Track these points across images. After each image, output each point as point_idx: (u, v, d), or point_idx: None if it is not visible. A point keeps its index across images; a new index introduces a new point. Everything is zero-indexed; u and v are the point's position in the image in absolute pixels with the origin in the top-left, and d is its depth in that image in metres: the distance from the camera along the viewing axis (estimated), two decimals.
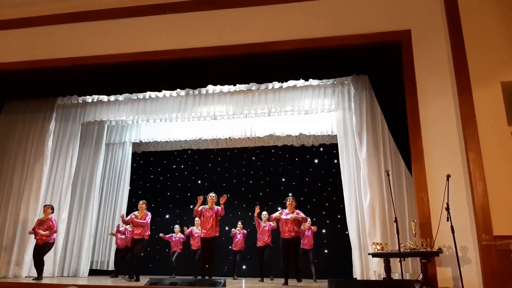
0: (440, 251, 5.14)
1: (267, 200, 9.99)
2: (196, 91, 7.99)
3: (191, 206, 10.31)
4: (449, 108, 5.71)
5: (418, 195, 5.59)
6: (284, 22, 6.54)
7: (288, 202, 6.75)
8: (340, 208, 8.52)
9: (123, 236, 8.71)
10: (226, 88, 7.78)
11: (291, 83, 7.48)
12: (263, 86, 7.66)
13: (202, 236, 6.91)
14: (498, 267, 4.79)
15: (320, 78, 7.29)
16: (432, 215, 5.36)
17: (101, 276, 9.15)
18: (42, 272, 6.98)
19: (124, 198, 10.03)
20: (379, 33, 6.19)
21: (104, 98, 8.28)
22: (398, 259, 5.49)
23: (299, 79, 7.21)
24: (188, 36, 6.79)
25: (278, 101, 7.88)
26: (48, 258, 7.24)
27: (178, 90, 7.78)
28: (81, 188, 9.23)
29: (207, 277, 6.53)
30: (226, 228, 9.41)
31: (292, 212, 6.64)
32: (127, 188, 10.16)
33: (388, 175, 5.62)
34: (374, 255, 5.67)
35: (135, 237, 7.09)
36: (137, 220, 7.03)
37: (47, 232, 7.06)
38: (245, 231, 8.86)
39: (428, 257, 5.13)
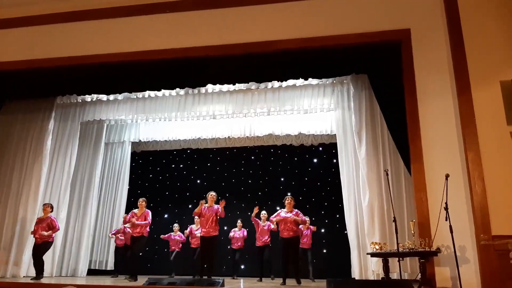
0: (438, 250, 5.14)
1: (266, 199, 9.99)
2: (196, 91, 7.99)
3: (190, 206, 10.34)
4: (448, 107, 5.70)
5: (417, 195, 5.58)
6: (284, 21, 6.53)
7: (286, 201, 6.75)
8: (339, 208, 8.52)
9: (123, 238, 8.74)
10: (225, 87, 7.77)
11: (290, 82, 7.48)
12: (262, 85, 7.65)
13: (202, 235, 6.91)
14: (497, 267, 4.79)
15: (319, 77, 7.28)
16: (431, 214, 5.36)
17: (100, 275, 9.15)
18: (43, 272, 6.96)
19: (123, 197, 10.04)
20: (378, 32, 6.18)
21: (104, 97, 8.28)
22: (397, 258, 5.47)
23: (299, 78, 7.20)
24: (187, 35, 6.78)
25: (278, 101, 7.87)
26: (46, 257, 7.22)
27: (178, 89, 7.78)
28: (80, 187, 9.22)
29: (205, 277, 6.52)
30: (225, 228, 9.41)
31: (291, 211, 6.64)
32: (126, 187, 10.16)
33: (387, 174, 5.62)
34: (373, 254, 5.66)
35: (135, 235, 7.08)
36: (138, 222, 7.02)
37: (49, 232, 7.05)
38: (244, 230, 8.86)
39: (427, 257, 5.13)
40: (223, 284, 5.54)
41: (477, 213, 5.06)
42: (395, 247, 5.28)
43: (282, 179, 10.36)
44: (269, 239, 8.15)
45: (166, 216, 10.60)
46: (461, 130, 5.48)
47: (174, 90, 7.85)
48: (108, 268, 9.36)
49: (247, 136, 9.74)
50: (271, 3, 6.65)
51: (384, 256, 5.54)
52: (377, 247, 5.53)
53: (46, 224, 7.09)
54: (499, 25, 5.69)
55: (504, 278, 4.66)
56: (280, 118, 9.06)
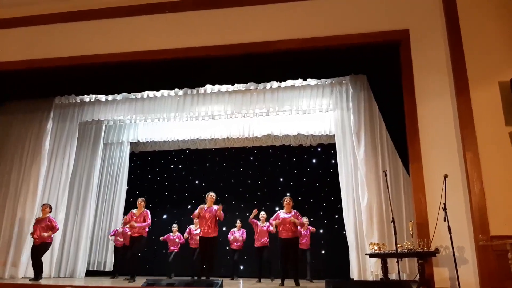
0: (437, 251, 5.14)
1: (264, 200, 9.99)
2: (194, 91, 7.98)
3: (189, 206, 10.33)
4: (447, 108, 5.71)
5: (416, 195, 5.59)
6: (282, 21, 6.53)
7: (285, 202, 6.73)
8: (337, 208, 8.52)
9: (122, 239, 8.74)
10: (224, 87, 7.77)
11: (289, 82, 7.48)
12: (261, 85, 7.65)
13: (201, 235, 6.89)
14: (495, 267, 4.80)
15: (318, 78, 7.28)
16: (429, 215, 5.36)
17: (98, 276, 9.13)
18: (42, 273, 6.93)
19: (121, 198, 10.02)
20: (377, 33, 6.19)
21: (102, 97, 8.26)
22: (396, 259, 5.48)
23: (298, 79, 7.20)
24: (186, 36, 6.77)
25: (276, 101, 7.86)
26: (45, 258, 7.19)
27: (176, 89, 7.77)
28: (78, 188, 9.20)
29: (203, 278, 6.52)
30: (224, 229, 9.40)
31: (290, 212, 6.62)
32: (124, 188, 10.14)
33: (385, 175, 5.63)
34: (372, 255, 5.66)
35: (134, 235, 7.07)
36: (138, 225, 7.02)
37: (49, 232, 7.03)
38: (243, 230, 8.85)
39: (425, 258, 5.13)
40: (222, 285, 5.53)
41: (475, 213, 5.07)
42: (394, 248, 5.29)
43: (281, 179, 10.36)
44: (268, 240, 8.15)
45: (164, 216, 10.59)
46: (459, 131, 5.49)
47: (173, 90, 7.84)
48: (107, 269, 9.34)
49: (246, 137, 9.73)
50: (270, 4, 6.66)
51: (383, 257, 5.54)
52: (375, 247, 5.53)
53: (45, 224, 7.06)
54: (497, 25, 5.70)
55: (502, 278, 4.66)
56: (279, 118, 9.05)
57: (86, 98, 8.29)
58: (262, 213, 8.38)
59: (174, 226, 9.33)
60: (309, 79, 7.27)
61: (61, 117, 8.70)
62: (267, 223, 8.10)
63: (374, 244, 5.62)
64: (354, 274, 6.82)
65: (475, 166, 5.20)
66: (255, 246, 8.21)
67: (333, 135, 8.00)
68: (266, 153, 10.54)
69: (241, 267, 9.46)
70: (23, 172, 7.98)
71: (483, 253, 4.92)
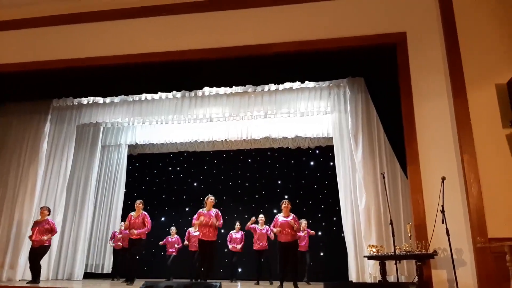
0: (435, 253, 5.14)
1: (263, 202, 9.99)
2: (192, 93, 7.98)
3: (187, 209, 10.33)
4: (444, 110, 5.72)
5: (414, 197, 5.59)
6: (280, 24, 6.54)
7: (283, 205, 6.70)
8: (335, 211, 8.52)
9: (121, 243, 8.75)
10: (222, 90, 7.77)
11: (287, 85, 7.48)
12: (259, 88, 7.67)
13: (200, 237, 6.88)
14: (493, 269, 4.80)
15: (316, 80, 7.30)
16: (427, 217, 5.36)
17: (96, 279, 9.11)
18: (39, 276, 6.91)
19: (119, 200, 10.01)
20: (374, 35, 6.20)
21: (100, 100, 8.26)
22: (394, 261, 5.49)
23: (295, 81, 7.22)
24: (184, 38, 6.77)
25: (274, 103, 7.88)
26: (42, 261, 7.16)
27: (174, 92, 7.77)
28: (76, 190, 9.19)
29: (199, 280, 6.52)
30: (223, 231, 9.38)
31: (288, 216, 6.61)
32: (122, 190, 10.13)
33: (383, 177, 5.64)
34: (370, 257, 5.66)
35: (133, 237, 7.06)
36: (139, 231, 7.02)
37: (48, 235, 7.00)
38: (242, 232, 8.84)
39: (423, 260, 5.14)
40: None
41: (473, 215, 5.08)
42: (392, 250, 5.29)
43: (279, 181, 10.36)
44: (266, 243, 8.14)
45: (163, 219, 10.57)
46: (457, 133, 5.50)
47: (171, 92, 7.85)
48: (105, 272, 9.32)
49: (244, 139, 9.73)
50: (268, 6, 6.66)
51: (381, 259, 5.54)
52: (374, 249, 5.53)
53: (44, 227, 7.04)
54: (494, 27, 5.72)
55: (500, 280, 4.66)
56: (277, 121, 9.07)
57: (84, 100, 8.29)
58: (261, 216, 8.37)
59: (173, 229, 9.32)
60: (307, 82, 7.29)
61: (59, 119, 8.69)
62: (266, 226, 8.10)
63: (372, 246, 5.62)
64: (353, 276, 6.82)
65: (473, 168, 5.21)
66: (254, 248, 8.20)
67: (331, 138, 8.01)
68: (264, 156, 10.55)
69: (240, 270, 9.45)
70: (20, 174, 7.95)
71: (481, 255, 4.92)
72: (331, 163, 8.95)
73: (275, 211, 9.12)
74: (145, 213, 7.32)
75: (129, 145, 10.51)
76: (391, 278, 5.96)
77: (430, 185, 5.43)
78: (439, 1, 6.05)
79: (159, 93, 7.79)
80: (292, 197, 8.92)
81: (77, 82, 7.44)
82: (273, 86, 7.58)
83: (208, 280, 6.42)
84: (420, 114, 5.80)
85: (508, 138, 5.25)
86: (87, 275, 9.10)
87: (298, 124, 9.19)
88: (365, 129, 6.87)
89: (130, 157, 10.71)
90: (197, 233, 7.67)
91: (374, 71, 6.61)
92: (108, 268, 9.32)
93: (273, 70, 6.81)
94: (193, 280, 7.76)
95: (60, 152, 8.52)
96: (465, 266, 5.10)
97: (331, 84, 7.62)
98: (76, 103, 8.45)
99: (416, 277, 5.14)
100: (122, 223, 8.93)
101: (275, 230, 6.60)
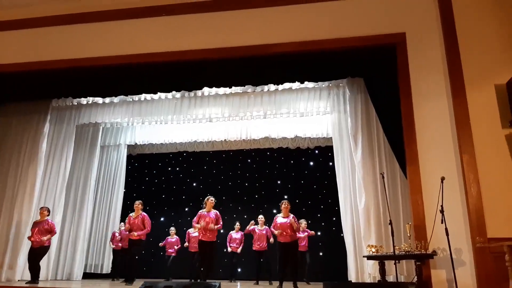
0: (434, 253, 5.15)
1: (262, 202, 9.99)
2: (192, 93, 7.98)
3: (187, 209, 10.33)
4: (443, 110, 5.73)
5: (413, 198, 5.60)
6: (280, 24, 6.55)
7: (283, 206, 6.68)
8: (335, 211, 8.53)
9: (120, 244, 8.75)
10: (221, 90, 7.76)
11: (286, 85, 7.47)
12: (258, 88, 7.67)
13: (200, 238, 6.88)
14: (492, 269, 4.81)
15: (315, 81, 7.30)
16: (427, 217, 5.37)
17: (95, 279, 9.10)
18: (38, 277, 6.90)
19: (118, 200, 10.01)
20: (374, 36, 6.21)
21: (99, 100, 8.25)
22: (393, 261, 5.50)
23: (295, 82, 7.22)
24: (184, 38, 6.77)
25: (274, 104, 7.88)
26: (41, 261, 7.16)
27: (174, 92, 7.76)
28: (75, 191, 9.18)
29: (199, 280, 6.52)
30: (222, 231, 9.38)
31: (287, 216, 6.60)
32: (121, 190, 10.13)
33: (383, 177, 5.64)
34: (369, 257, 5.67)
35: (133, 238, 7.06)
36: (139, 233, 7.02)
37: (48, 236, 6.99)
38: (242, 233, 8.84)
39: (423, 260, 5.14)
40: None
41: (472, 215, 5.08)
42: (391, 250, 5.29)
43: (279, 182, 10.36)
44: (266, 244, 8.14)
45: (162, 219, 10.57)
46: (456, 133, 5.51)
47: (170, 93, 7.84)
48: (104, 272, 9.31)
49: (243, 139, 9.74)
50: (268, 7, 6.67)
51: (381, 259, 5.55)
52: (373, 250, 5.54)
53: (44, 228, 7.03)
54: (493, 28, 5.73)
55: (500, 280, 4.67)
56: (277, 121, 9.07)
57: (83, 100, 8.28)
58: (260, 216, 8.37)
59: (172, 229, 9.32)
60: (306, 82, 7.29)
61: (58, 120, 8.67)
62: (266, 227, 8.10)
63: (372, 246, 5.63)
64: (352, 276, 6.83)
65: (472, 168, 5.22)
66: (253, 249, 8.20)
67: (331, 138, 8.02)
68: (263, 156, 10.55)
69: (239, 270, 9.45)
70: (20, 174, 7.93)
71: (480, 255, 4.93)
72: (331, 163, 8.96)
73: (274, 211, 9.12)
74: (145, 214, 7.31)
75: (128, 145, 10.51)
76: (391, 278, 5.96)
77: (429, 185, 5.44)
78: (439, 2, 6.06)
79: (158, 93, 7.79)
80: (292, 197, 8.93)
81: (77, 82, 7.44)
82: (272, 87, 7.58)
83: (207, 280, 6.42)
84: (419, 114, 5.81)
85: (508, 138, 5.26)
86: (86, 275, 9.09)
87: (298, 124, 9.20)
88: (364, 130, 6.88)
89: (129, 157, 10.71)
90: (196, 234, 7.67)
91: (373, 71, 6.62)
92: (107, 268, 9.31)
93: (273, 71, 6.82)
94: (193, 280, 7.75)
95: (60, 152, 8.51)
96: (465, 266, 5.11)
97: (330, 85, 7.62)
98: (76, 103, 8.44)
99: (416, 277, 5.15)
100: (122, 223, 8.93)
101: (276, 232, 6.58)
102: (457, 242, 5.12)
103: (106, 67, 6.99)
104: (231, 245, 8.73)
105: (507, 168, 5.16)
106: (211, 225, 6.73)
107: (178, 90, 7.53)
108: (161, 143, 10.40)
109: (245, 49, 6.55)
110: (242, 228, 8.84)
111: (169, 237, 9.24)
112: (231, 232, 8.92)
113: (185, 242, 8.92)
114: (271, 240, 7.79)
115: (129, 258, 7.28)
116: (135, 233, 7.03)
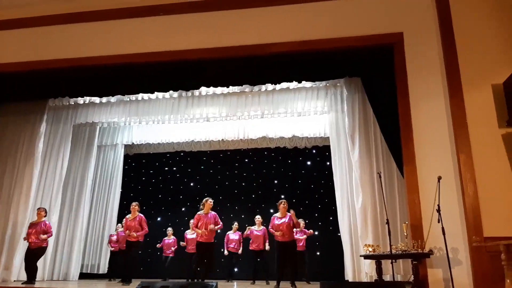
0: (431, 252, 5.16)
1: (260, 202, 9.99)
2: (189, 93, 7.97)
3: (184, 209, 10.31)
4: (440, 110, 5.74)
5: (410, 197, 5.61)
6: (278, 24, 6.54)
7: (281, 206, 6.66)
8: (332, 210, 8.52)
9: (117, 246, 8.74)
10: (219, 90, 7.75)
11: (284, 85, 7.48)
12: (256, 88, 7.67)
13: (198, 239, 6.87)
14: (489, 268, 4.82)
15: (313, 80, 7.30)
16: (424, 216, 5.38)
17: (92, 279, 9.07)
18: (35, 278, 6.87)
19: (115, 200, 9.98)
20: (371, 36, 6.21)
21: (96, 99, 8.21)
22: (390, 261, 5.51)
23: (292, 81, 7.22)
24: (181, 38, 6.76)
25: (271, 103, 7.88)
26: (38, 261, 7.13)
27: (171, 91, 7.75)
28: (72, 190, 9.15)
29: (196, 280, 6.51)
30: (219, 231, 9.36)
31: (285, 216, 6.60)
32: (118, 190, 10.10)
33: (380, 177, 5.65)
34: (366, 257, 5.67)
35: (131, 240, 7.05)
36: (138, 234, 7.02)
37: (44, 236, 6.95)
38: (239, 233, 8.83)
39: (419, 259, 5.15)
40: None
41: (469, 215, 5.09)
42: (388, 249, 5.30)
43: (276, 181, 10.36)
44: (263, 244, 8.13)
45: (159, 219, 10.55)
46: (453, 132, 5.52)
47: (168, 92, 7.83)
48: (100, 272, 9.29)
49: (241, 139, 9.74)
50: (264, 7, 6.66)
51: (377, 258, 5.55)
52: (370, 249, 5.54)
53: (41, 229, 6.99)
54: (491, 28, 5.75)
55: (496, 279, 4.68)
56: (274, 120, 9.08)
57: (80, 100, 8.24)
58: (258, 216, 8.36)
59: (169, 230, 9.30)
60: (304, 82, 7.29)
61: (55, 119, 8.64)
62: (263, 228, 8.09)
63: (369, 245, 5.63)
64: (349, 276, 6.84)
65: (469, 167, 5.23)
66: (250, 249, 8.19)
67: (328, 137, 8.03)
68: (261, 155, 10.55)
69: (236, 270, 9.44)
70: (16, 174, 7.90)
71: (476, 254, 4.94)
72: (328, 163, 8.97)
73: (271, 211, 9.13)
74: (142, 215, 7.30)
75: (125, 145, 10.48)
76: (387, 277, 5.97)
77: (426, 185, 5.45)
78: (436, 2, 6.07)
79: (155, 93, 7.77)
80: (289, 197, 8.94)
81: (73, 82, 7.40)
82: (270, 86, 7.57)
83: (204, 280, 6.41)
84: (416, 114, 5.82)
85: (504, 138, 5.28)
86: (83, 275, 9.07)
87: (295, 124, 9.21)
88: (361, 129, 6.89)
89: (126, 157, 10.68)
90: (194, 235, 7.65)
91: (371, 71, 6.63)
92: (104, 268, 9.29)
93: (270, 70, 6.82)
94: (190, 280, 7.74)
95: (56, 152, 8.48)
96: (461, 265, 5.13)
97: (328, 84, 7.63)
98: (72, 103, 8.40)
99: (412, 276, 5.16)
100: (119, 224, 8.91)
101: (277, 233, 6.53)
102: (454, 241, 5.13)
103: (103, 66, 6.96)
104: (229, 246, 8.71)
105: (504, 167, 5.18)
106: (211, 226, 6.71)
107: (175, 90, 7.51)
108: (158, 143, 10.38)
109: (243, 49, 6.54)
110: (239, 228, 8.83)
111: (166, 238, 9.21)
112: (229, 232, 8.89)
113: (183, 243, 8.89)
114: (267, 247, 7.82)
115: (128, 259, 7.26)
116: (135, 234, 7.01)
